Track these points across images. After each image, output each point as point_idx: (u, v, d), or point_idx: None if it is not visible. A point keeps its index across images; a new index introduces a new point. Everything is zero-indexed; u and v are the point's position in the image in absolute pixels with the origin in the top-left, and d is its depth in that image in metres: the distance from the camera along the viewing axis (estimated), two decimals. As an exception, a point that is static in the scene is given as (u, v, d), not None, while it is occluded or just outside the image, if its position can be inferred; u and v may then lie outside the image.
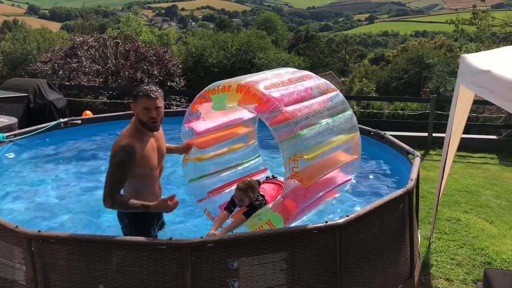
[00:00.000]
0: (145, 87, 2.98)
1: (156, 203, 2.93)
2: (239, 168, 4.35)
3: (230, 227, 3.42)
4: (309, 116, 3.26)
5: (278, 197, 3.47)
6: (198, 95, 3.68)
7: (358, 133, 3.71)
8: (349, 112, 3.65)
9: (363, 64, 50.31)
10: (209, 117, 3.86)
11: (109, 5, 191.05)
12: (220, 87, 3.43)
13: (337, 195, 3.79)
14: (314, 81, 3.67)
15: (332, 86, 3.76)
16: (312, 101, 3.41)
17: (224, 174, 4.19)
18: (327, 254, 2.91)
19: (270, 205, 3.48)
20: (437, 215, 5.00)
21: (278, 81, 3.45)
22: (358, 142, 3.70)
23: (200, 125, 3.85)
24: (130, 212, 3.04)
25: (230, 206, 3.59)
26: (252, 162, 4.50)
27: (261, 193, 3.67)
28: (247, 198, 3.49)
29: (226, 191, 4.11)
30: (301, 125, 3.16)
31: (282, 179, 3.87)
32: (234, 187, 3.81)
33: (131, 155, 2.85)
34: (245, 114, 4.13)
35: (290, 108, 3.17)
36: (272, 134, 3.21)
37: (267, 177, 4.18)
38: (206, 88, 3.60)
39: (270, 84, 3.35)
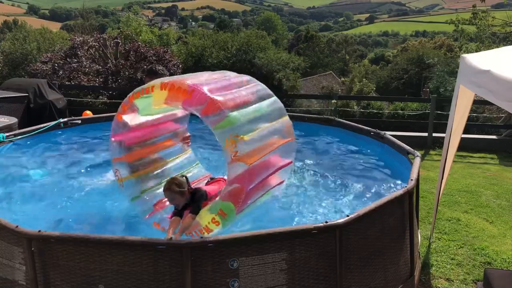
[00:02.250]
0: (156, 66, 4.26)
1: None
2: None
3: (182, 229, 3.33)
4: (238, 102, 3.35)
5: (224, 187, 3.46)
6: (122, 102, 3.61)
7: (287, 116, 3.86)
8: (274, 98, 3.80)
9: (363, 64, 50.18)
10: (138, 126, 3.80)
11: (109, 5, 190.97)
12: (144, 89, 3.41)
13: (283, 181, 3.86)
14: (238, 77, 3.81)
15: (254, 79, 3.91)
16: (240, 90, 3.53)
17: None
18: (327, 254, 2.91)
19: (218, 198, 3.47)
20: (437, 215, 5.00)
21: (202, 77, 3.53)
22: (290, 125, 3.85)
23: (130, 136, 3.78)
24: None
25: (178, 212, 3.52)
26: (192, 170, 4.51)
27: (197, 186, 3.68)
28: (177, 195, 3.42)
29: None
30: (232, 110, 3.22)
31: (223, 176, 3.93)
32: None
33: None
34: (172, 126, 4.15)
35: (217, 96, 3.23)
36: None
37: (207, 181, 4.15)
38: (129, 94, 3.54)
39: (195, 79, 3.41)
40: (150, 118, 3.84)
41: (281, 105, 3.78)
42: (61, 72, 12.62)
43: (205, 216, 3.37)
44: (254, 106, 3.50)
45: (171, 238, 3.09)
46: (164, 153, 4.25)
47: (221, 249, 2.69)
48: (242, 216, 3.78)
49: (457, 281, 4.04)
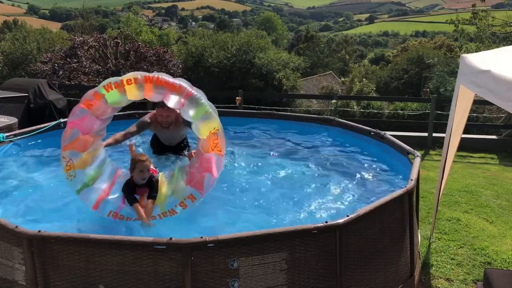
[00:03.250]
0: None
1: None
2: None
3: (148, 215, 3.57)
4: (200, 94, 3.68)
5: (192, 172, 3.64)
6: (93, 92, 3.59)
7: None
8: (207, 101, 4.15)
9: (363, 64, 50.30)
10: (100, 115, 3.77)
11: (109, 5, 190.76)
12: (125, 80, 3.53)
13: None
14: (182, 80, 4.02)
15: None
16: (192, 88, 3.78)
17: (107, 172, 4.11)
18: (327, 254, 2.91)
19: (185, 184, 3.62)
20: (437, 215, 5.00)
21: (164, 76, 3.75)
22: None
23: (87, 124, 3.72)
24: None
25: (134, 197, 3.65)
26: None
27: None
28: (150, 167, 3.67)
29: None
30: (205, 101, 3.56)
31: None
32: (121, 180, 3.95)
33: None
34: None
35: (190, 89, 3.58)
36: None
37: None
38: (104, 83, 3.59)
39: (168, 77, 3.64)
40: (119, 105, 3.82)
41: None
42: (61, 72, 12.64)
43: (169, 200, 3.59)
44: (204, 100, 3.81)
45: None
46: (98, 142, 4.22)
47: (221, 249, 2.69)
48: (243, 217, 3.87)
49: (457, 281, 4.04)
